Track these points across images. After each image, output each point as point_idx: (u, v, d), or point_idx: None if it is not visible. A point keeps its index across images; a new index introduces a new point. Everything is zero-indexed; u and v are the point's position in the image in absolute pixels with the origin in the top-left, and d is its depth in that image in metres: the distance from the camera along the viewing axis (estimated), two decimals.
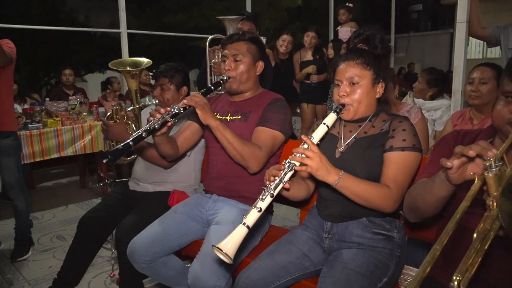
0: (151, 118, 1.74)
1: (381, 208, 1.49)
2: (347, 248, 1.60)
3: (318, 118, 5.12)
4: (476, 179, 1.03)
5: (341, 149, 1.66)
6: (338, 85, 1.62)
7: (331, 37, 7.72)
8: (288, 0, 11.43)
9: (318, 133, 1.47)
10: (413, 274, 1.69)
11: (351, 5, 5.78)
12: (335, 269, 1.49)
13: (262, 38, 2.45)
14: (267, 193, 1.34)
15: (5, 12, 10.51)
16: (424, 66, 4.59)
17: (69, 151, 4.06)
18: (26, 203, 3.08)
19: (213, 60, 2.91)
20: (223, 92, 2.32)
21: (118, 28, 5.03)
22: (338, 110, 1.54)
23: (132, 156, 2.48)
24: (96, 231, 2.38)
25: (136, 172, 2.50)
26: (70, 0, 14.05)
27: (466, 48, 3.07)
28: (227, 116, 2.11)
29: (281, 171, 1.38)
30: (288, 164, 1.38)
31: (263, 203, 1.33)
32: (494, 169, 0.98)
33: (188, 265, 2.16)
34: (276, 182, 1.36)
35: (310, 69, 4.98)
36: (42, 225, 3.82)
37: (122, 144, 1.59)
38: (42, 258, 3.12)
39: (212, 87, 1.97)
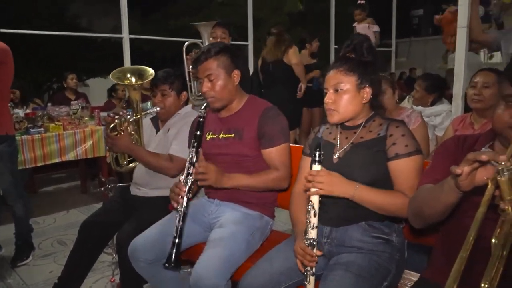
0: (175, 204, 1.84)
1: (400, 214, 1.54)
2: (347, 252, 1.60)
3: (315, 120, 5.14)
4: (490, 183, 1.04)
5: (337, 155, 1.69)
6: (326, 92, 1.68)
7: (333, 41, 7.76)
8: (290, 5, 11.48)
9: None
10: (413, 278, 1.69)
11: (363, 1, 5.91)
12: (336, 273, 1.50)
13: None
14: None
15: (8, 17, 10.57)
16: (426, 71, 4.61)
17: (70, 156, 4.07)
18: (25, 209, 3.06)
19: (191, 66, 2.90)
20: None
21: (121, 33, 5.06)
22: (317, 159, 1.53)
23: (135, 163, 2.49)
24: (97, 236, 2.38)
25: (137, 177, 2.50)
26: (74, 5, 14.14)
27: (467, 53, 3.07)
28: (220, 134, 2.09)
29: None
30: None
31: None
32: (506, 173, 0.99)
33: (189, 270, 2.16)
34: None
35: (316, 73, 5.02)
36: (43, 230, 3.83)
37: (171, 247, 1.76)
38: (42, 263, 3.12)
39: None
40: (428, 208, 1.30)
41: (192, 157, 1.85)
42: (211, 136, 2.12)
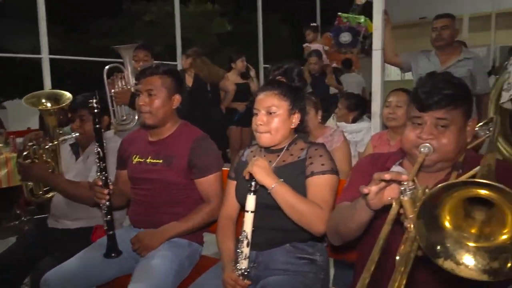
0: (103, 201, 1.84)
1: (313, 225, 1.53)
2: (274, 275, 1.60)
3: (244, 139, 5.18)
4: (394, 203, 1.09)
5: None
6: (256, 114, 1.69)
7: (261, 60, 7.95)
8: (217, 26, 11.61)
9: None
10: None
11: (315, 24, 6.33)
12: None
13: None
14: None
15: None
16: (369, 86, 4.98)
17: None
18: None
19: (113, 90, 2.82)
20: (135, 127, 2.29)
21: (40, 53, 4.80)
22: (253, 189, 1.56)
23: (52, 193, 2.34)
24: (10, 275, 2.18)
25: (55, 208, 2.34)
26: None
27: (383, 74, 3.27)
28: (148, 158, 2.03)
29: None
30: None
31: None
32: (408, 192, 1.04)
33: None
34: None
35: (241, 107, 5.07)
36: None
37: (108, 238, 1.84)
38: None
39: None
40: (343, 226, 1.35)
41: (99, 151, 1.83)
42: (138, 159, 2.05)
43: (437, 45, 3.25)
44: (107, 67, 2.88)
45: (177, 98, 2.03)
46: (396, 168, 1.39)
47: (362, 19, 6.19)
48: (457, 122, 1.26)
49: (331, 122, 3.59)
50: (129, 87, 2.78)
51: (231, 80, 5.21)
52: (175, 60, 6.44)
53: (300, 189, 1.61)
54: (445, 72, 1.33)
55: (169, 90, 2.00)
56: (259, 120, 1.66)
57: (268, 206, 1.58)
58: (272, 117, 1.66)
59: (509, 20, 8.55)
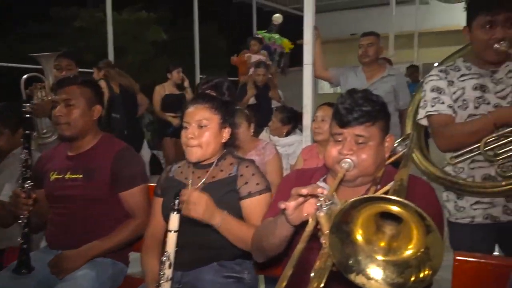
0: (25, 213, 1.74)
1: None
2: None
3: (179, 151, 5.07)
4: (310, 219, 1.09)
5: None
6: (186, 127, 1.65)
7: (197, 71, 7.89)
8: (153, 33, 11.39)
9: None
10: None
11: (261, 36, 6.30)
12: None
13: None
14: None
15: None
16: (286, 101, 5.01)
17: None
18: None
19: (31, 102, 2.65)
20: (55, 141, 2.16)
21: None
22: (176, 208, 1.51)
23: None
24: None
25: None
26: None
27: (313, 88, 3.35)
28: (66, 174, 1.91)
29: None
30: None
31: None
32: (324, 208, 1.05)
33: None
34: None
35: (175, 120, 4.97)
36: None
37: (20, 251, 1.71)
38: None
39: None
40: (266, 241, 1.34)
41: (26, 160, 1.75)
42: (56, 176, 1.92)
43: (363, 62, 3.40)
44: (24, 77, 2.71)
45: (97, 109, 1.95)
46: (320, 184, 1.41)
47: (277, 36, 6.39)
48: (375, 138, 1.31)
49: (264, 135, 3.62)
50: (49, 98, 2.61)
51: (167, 89, 5.12)
52: None
53: (231, 206, 1.59)
54: (364, 90, 1.37)
55: (88, 100, 1.91)
56: (190, 133, 1.62)
57: (195, 223, 1.54)
58: (203, 131, 1.63)
59: (431, 39, 9.23)
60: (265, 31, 6.72)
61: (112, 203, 1.90)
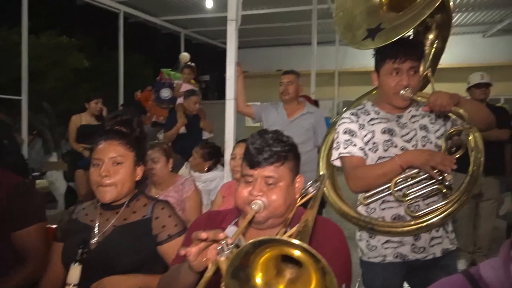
0: None
1: None
2: None
3: None
4: (210, 264, 1.03)
5: (96, 239, 1.53)
6: (98, 164, 1.53)
7: (121, 100, 7.62)
8: (75, 60, 10.92)
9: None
10: None
11: (193, 64, 6.19)
12: None
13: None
14: None
15: None
16: (214, 132, 4.96)
17: None
18: None
19: None
20: None
21: None
22: (78, 258, 1.42)
23: None
24: None
25: None
26: None
27: (235, 123, 3.35)
28: None
29: None
30: None
31: None
32: (226, 252, 0.99)
33: None
34: None
35: (87, 153, 4.71)
36: None
37: None
38: None
39: None
40: None
41: None
42: None
43: (284, 99, 3.47)
44: None
45: None
46: (231, 228, 1.36)
47: (178, 75, 6.39)
48: (285, 178, 1.29)
49: (184, 170, 3.52)
50: None
51: (83, 120, 4.91)
52: (19, 94, 5.78)
53: (145, 252, 1.51)
54: (275, 130, 1.37)
55: None
56: (104, 171, 1.50)
57: (99, 276, 1.40)
58: (118, 168, 1.53)
59: (350, 78, 9.79)
60: (170, 69, 6.70)
61: (6, 245, 1.69)
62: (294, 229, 1.14)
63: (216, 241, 1.03)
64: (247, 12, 7.56)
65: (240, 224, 1.37)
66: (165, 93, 6.08)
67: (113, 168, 1.53)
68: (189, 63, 6.50)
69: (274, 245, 0.90)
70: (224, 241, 0.99)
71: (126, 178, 1.55)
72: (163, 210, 1.59)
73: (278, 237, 0.92)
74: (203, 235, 1.02)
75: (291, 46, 11.06)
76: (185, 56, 7.12)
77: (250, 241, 0.89)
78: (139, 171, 1.62)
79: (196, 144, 3.56)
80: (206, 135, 5.02)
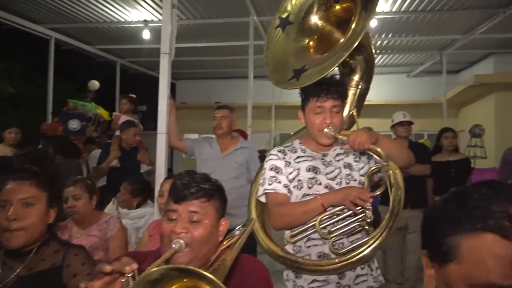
0: None
1: None
2: None
3: None
4: None
5: None
6: (5, 206, 1.39)
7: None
8: None
9: None
10: None
11: (133, 95, 5.85)
12: None
13: None
14: None
15: None
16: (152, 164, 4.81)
17: None
18: None
19: None
20: None
21: None
22: None
23: None
24: None
25: None
26: None
27: (167, 157, 3.26)
28: None
29: None
30: None
31: None
32: (131, 286, 0.94)
33: None
34: None
35: None
36: None
37: None
38: None
39: None
40: None
41: None
42: None
43: (217, 133, 3.45)
44: None
45: None
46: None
47: (90, 105, 6.17)
48: (210, 216, 1.26)
49: (111, 207, 3.34)
50: None
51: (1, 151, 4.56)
52: None
53: None
54: (203, 173, 1.35)
55: None
56: (12, 214, 1.37)
57: None
58: (29, 211, 1.40)
59: (286, 112, 10.03)
60: (79, 100, 6.47)
61: None
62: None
63: (122, 274, 0.96)
64: (185, 45, 7.59)
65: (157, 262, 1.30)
66: (73, 124, 5.74)
67: (22, 211, 1.40)
68: (130, 94, 6.29)
69: (184, 277, 0.87)
70: (131, 274, 0.93)
71: (38, 221, 1.43)
72: (76, 257, 1.47)
73: (190, 267, 0.87)
74: (108, 268, 0.94)
75: (230, 79, 11.18)
76: (94, 83, 6.76)
77: (159, 267, 0.85)
78: (52, 213, 1.50)
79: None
80: (144, 168, 4.80)
